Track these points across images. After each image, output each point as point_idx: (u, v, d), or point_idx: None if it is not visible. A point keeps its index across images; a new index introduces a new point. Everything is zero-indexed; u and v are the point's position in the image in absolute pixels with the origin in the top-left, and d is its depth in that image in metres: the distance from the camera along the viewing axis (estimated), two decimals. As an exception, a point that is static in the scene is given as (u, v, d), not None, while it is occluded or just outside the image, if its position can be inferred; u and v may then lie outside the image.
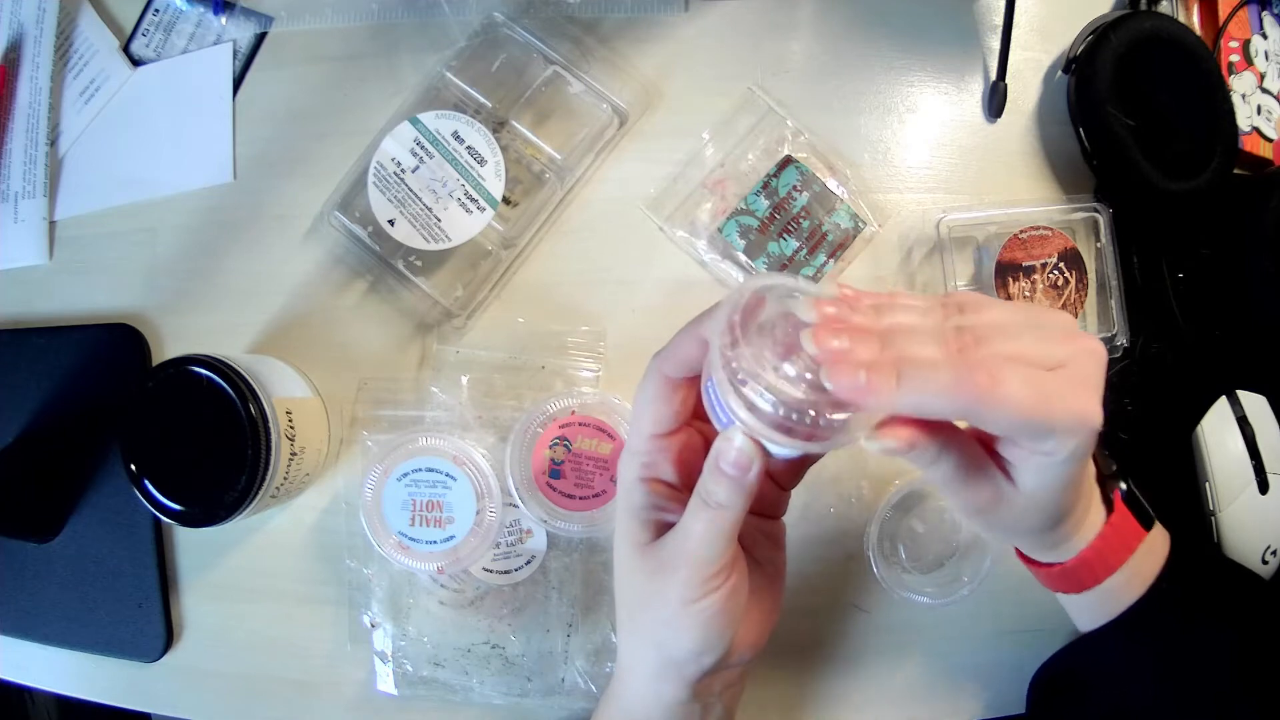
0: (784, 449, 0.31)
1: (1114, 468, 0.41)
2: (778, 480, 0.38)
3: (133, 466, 0.45)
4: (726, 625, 0.34)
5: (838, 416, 0.29)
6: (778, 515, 0.40)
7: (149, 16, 0.57)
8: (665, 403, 0.35)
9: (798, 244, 0.52)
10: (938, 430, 0.31)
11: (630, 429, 0.37)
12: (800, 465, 0.37)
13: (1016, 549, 0.42)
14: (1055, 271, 0.51)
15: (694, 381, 0.35)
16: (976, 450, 0.33)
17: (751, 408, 0.30)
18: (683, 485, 0.35)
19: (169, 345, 0.55)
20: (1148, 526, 0.41)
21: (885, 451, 0.30)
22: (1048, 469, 0.32)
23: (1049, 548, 0.39)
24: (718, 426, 0.33)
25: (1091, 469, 0.36)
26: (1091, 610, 0.42)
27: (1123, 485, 0.40)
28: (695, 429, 0.36)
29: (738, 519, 0.33)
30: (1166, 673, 0.42)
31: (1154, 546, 0.41)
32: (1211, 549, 0.50)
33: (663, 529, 0.35)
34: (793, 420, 0.29)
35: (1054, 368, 0.30)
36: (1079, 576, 0.40)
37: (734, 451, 0.31)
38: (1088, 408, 0.30)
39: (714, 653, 0.35)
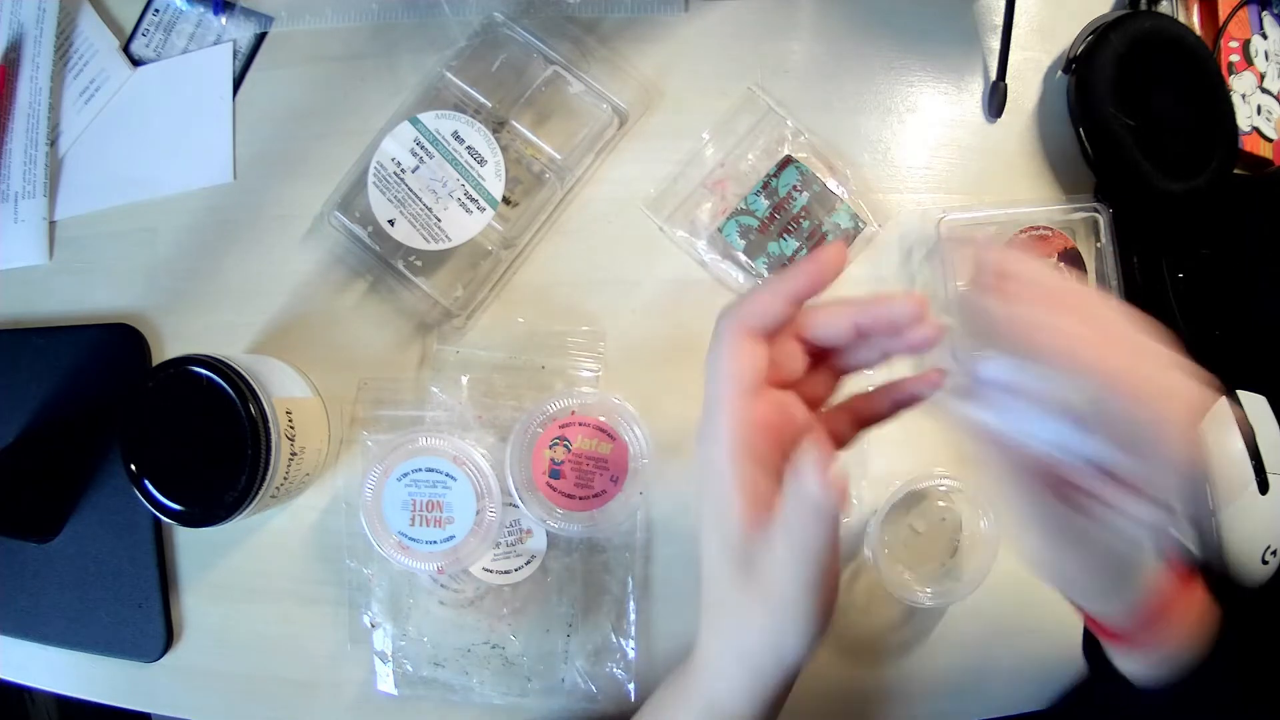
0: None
1: None
2: (838, 437, 0.36)
3: (133, 466, 0.45)
4: (830, 616, 0.34)
5: None
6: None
7: (149, 16, 0.57)
8: (743, 356, 0.33)
9: (798, 244, 0.53)
10: None
11: (709, 404, 0.33)
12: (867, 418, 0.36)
13: (1083, 614, 0.39)
14: (1055, 271, 0.51)
15: (771, 338, 0.33)
16: None
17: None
18: (773, 459, 0.33)
19: (169, 345, 0.55)
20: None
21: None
22: None
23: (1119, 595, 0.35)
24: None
25: None
26: (1140, 663, 0.39)
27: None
28: (771, 405, 0.34)
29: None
30: None
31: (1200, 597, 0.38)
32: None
33: (763, 511, 0.32)
34: None
35: None
36: (1149, 632, 0.36)
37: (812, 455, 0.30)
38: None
39: (817, 646, 0.34)
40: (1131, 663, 0.39)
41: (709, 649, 0.37)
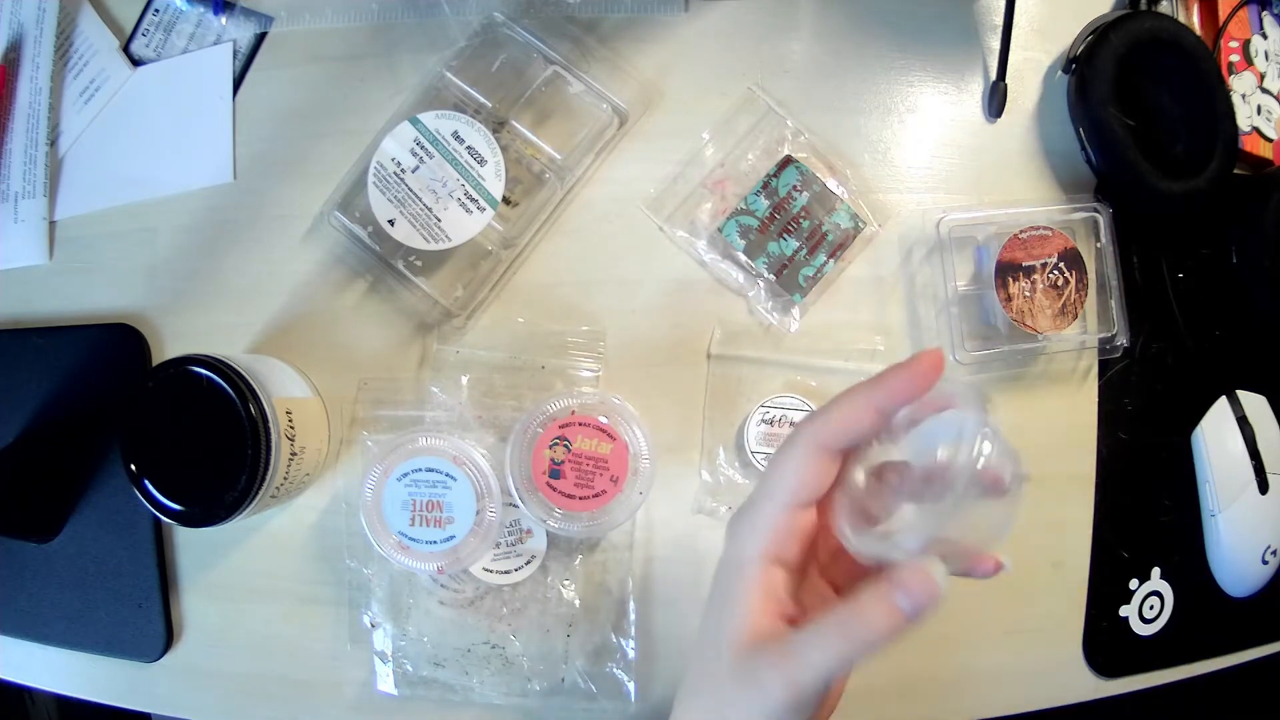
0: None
1: None
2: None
3: (133, 466, 0.45)
4: None
5: None
6: None
7: (149, 16, 0.57)
8: (815, 473, 0.32)
9: (798, 244, 0.53)
10: None
11: (761, 495, 0.33)
12: None
13: None
14: (1055, 271, 0.51)
15: (846, 454, 0.32)
16: None
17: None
18: (800, 568, 0.33)
19: (169, 345, 0.55)
20: None
21: None
22: None
23: None
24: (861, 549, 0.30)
25: None
26: None
27: None
28: (825, 520, 0.33)
29: (871, 653, 0.29)
30: None
31: None
32: None
33: (774, 619, 0.32)
34: None
35: None
36: None
37: (925, 590, 0.28)
38: None
39: None
40: None
41: None
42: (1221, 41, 0.55)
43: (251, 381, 0.45)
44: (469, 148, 0.50)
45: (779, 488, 0.32)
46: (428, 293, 0.52)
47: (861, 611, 0.29)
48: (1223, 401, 0.55)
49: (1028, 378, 0.54)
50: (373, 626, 0.52)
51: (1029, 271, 0.51)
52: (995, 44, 0.54)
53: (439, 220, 0.50)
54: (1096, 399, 0.54)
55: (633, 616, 0.51)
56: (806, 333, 0.53)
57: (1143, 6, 0.54)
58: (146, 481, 0.45)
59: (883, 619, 0.29)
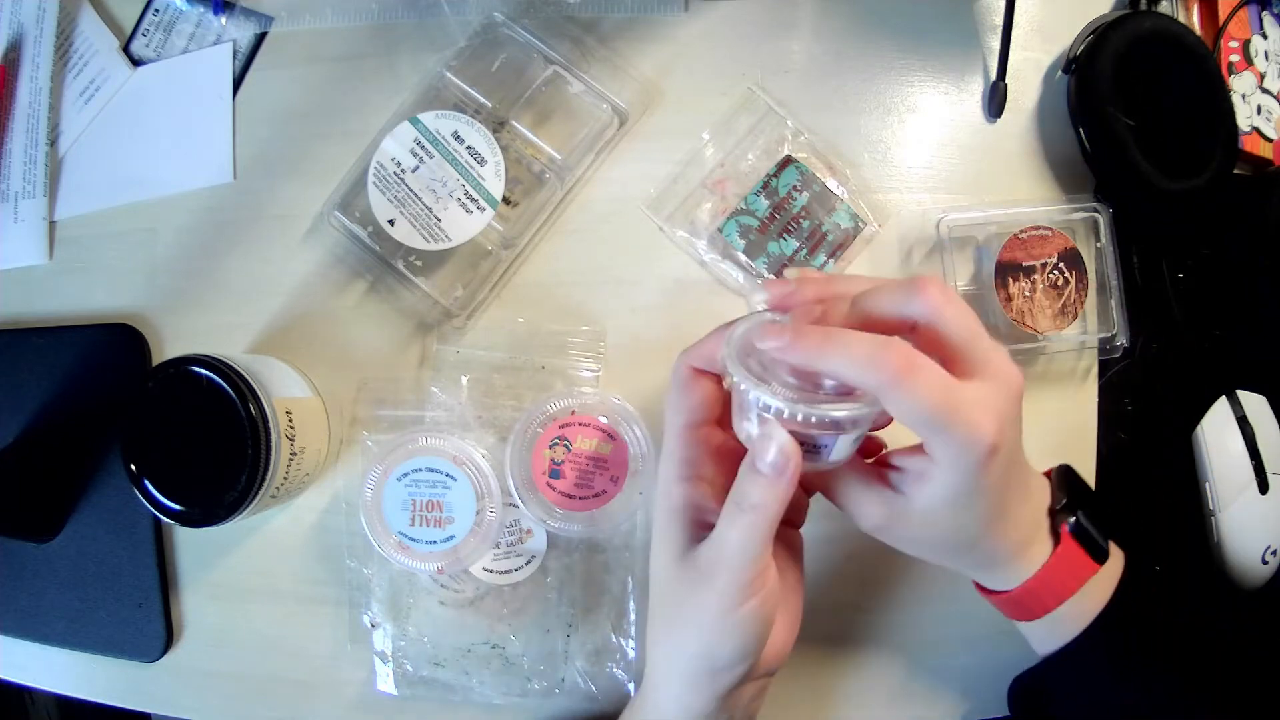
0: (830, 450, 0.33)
1: (1064, 500, 0.40)
2: (804, 485, 0.38)
3: (133, 466, 0.45)
4: (764, 630, 0.35)
5: (836, 413, 0.32)
6: (799, 523, 0.40)
7: (149, 16, 0.57)
8: (691, 391, 0.37)
9: (798, 244, 0.53)
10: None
11: (665, 432, 0.38)
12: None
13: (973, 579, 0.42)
14: (1055, 271, 0.51)
15: (718, 379, 0.36)
16: (865, 470, 0.36)
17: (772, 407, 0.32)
18: (723, 483, 0.36)
19: (169, 345, 0.55)
20: (1100, 559, 0.40)
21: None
22: (935, 481, 0.34)
23: (990, 573, 0.40)
24: (742, 436, 0.34)
25: (1008, 497, 0.36)
26: (1043, 636, 0.42)
27: (1072, 519, 0.39)
28: (730, 434, 0.37)
29: (774, 521, 0.33)
30: (1115, 701, 0.42)
31: (1109, 575, 0.40)
32: (1160, 584, 0.44)
33: (704, 530, 0.35)
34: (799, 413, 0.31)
35: (969, 378, 0.33)
36: (1026, 605, 0.40)
37: (773, 450, 0.32)
38: (983, 427, 0.32)
39: (751, 659, 0.35)
40: (1031, 630, 0.43)
41: (652, 661, 0.38)
42: (1221, 41, 0.55)
43: (251, 381, 0.45)
44: (469, 148, 0.50)
45: (671, 413, 0.37)
46: (428, 293, 0.52)
47: (740, 487, 0.34)
48: (1223, 401, 0.55)
49: (1028, 378, 0.53)
50: (373, 626, 0.52)
51: (1029, 271, 0.51)
52: (995, 44, 0.54)
53: (439, 220, 0.50)
54: (1096, 399, 0.54)
55: (633, 616, 0.51)
56: (806, 333, 0.53)
57: (1143, 6, 0.54)
58: (146, 481, 0.45)
59: (756, 486, 0.33)
